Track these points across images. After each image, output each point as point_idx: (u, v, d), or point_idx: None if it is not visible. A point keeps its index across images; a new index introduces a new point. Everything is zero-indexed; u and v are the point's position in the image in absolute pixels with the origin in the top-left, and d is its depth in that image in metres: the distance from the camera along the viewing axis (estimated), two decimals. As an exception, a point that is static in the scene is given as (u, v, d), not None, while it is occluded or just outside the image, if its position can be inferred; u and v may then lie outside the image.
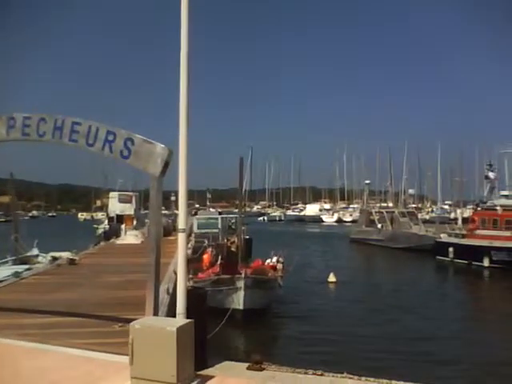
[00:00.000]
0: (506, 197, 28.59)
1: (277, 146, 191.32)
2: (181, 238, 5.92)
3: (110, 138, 6.52)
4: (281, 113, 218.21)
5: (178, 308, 5.74)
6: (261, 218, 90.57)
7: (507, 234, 24.12)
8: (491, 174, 29.18)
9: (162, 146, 6.22)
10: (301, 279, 19.77)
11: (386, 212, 41.36)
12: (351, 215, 78.53)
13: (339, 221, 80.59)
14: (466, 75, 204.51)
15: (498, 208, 25.95)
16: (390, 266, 28.73)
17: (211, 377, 5.59)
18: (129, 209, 36.55)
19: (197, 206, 58.26)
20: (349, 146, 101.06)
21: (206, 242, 20.54)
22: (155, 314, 6.10)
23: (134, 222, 34.15)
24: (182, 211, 6.08)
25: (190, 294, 5.99)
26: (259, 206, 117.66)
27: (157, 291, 6.21)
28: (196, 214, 33.83)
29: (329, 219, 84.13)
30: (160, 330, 5.04)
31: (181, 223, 5.97)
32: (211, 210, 42.62)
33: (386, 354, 10.34)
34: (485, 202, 28.49)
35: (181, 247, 5.91)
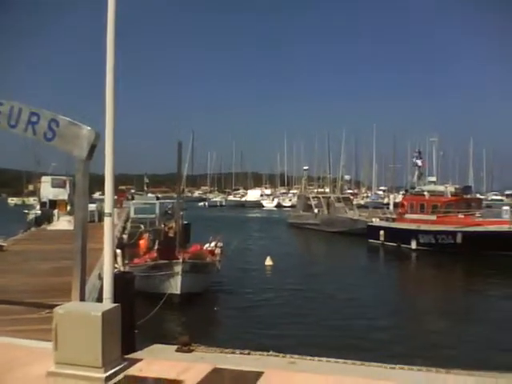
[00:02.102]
0: (433, 183, 30.41)
1: (219, 131, 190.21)
2: (107, 222, 5.86)
3: (34, 119, 6.29)
4: (222, 96, 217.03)
5: (104, 293, 5.72)
6: (202, 204, 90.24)
7: (433, 218, 25.55)
8: (419, 162, 30.82)
9: (89, 128, 6.09)
10: (239, 263, 20.07)
11: (323, 197, 42.56)
12: (290, 200, 79.98)
13: (279, 206, 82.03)
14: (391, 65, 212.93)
15: (425, 193, 27.47)
16: (325, 249, 29.81)
17: (139, 360, 5.63)
18: (62, 194, 35.17)
19: (132, 191, 56.89)
20: (289, 133, 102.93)
21: (143, 227, 20.28)
22: (81, 299, 6.03)
23: (68, 208, 32.93)
24: (108, 195, 5.99)
25: (118, 278, 5.97)
26: (200, 191, 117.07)
27: (83, 276, 6.13)
28: (133, 198, 33.20)
29: (269, 204, 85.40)
30: (85, 315, 5.01)
31: (107, 207, 5.91)
32: (150, 195, 41.95)
33: (317, 332, 10.78)
34: (414, 188, 30.08)
35: (107, 232, 5.86)
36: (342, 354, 6.22)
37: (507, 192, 78.99)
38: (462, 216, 24.67)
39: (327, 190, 57.95)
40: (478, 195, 44.03)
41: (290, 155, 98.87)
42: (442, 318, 12.71)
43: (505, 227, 22.43)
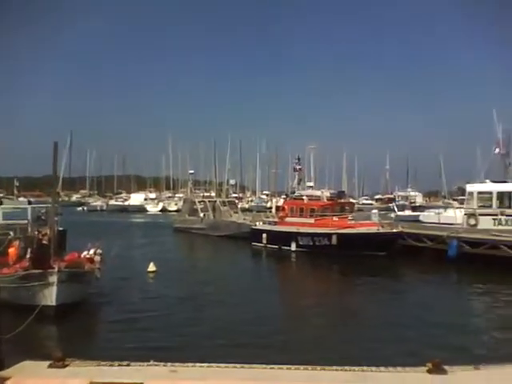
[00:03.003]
0: (311, 188, 32.24)
1: (99, 131, 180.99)
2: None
3: None
4: (103, 98, 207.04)
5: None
6: (80, 208, 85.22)
7: (311, 221, 27.03)
8: (297, 167, 32.53)
9: None
10: (120, 271, 19.27)
11: (209, 201, 42.71)
12: (176, 204, 78.97)
13: (164, 210, 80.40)
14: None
15: (304, 198, 28.99)
16: (210, 254, 29.96)
17: (6, 378, 5.16)
18: None
19: (0, 195, 51.89)
20: (175, 135, 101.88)
21: (12, 234, 18.57)
22: None
23: None
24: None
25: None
26: (79, 195, 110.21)
27: None
28: (1, 203, 30.26)
29: (153, 209, 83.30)
30: None
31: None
32: (21, 199, 38.58)
33: (201, 339, 10.77)
34: (294, 193, 31.59)
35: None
36: (225, 359, 6.30)
37: (376, 197, 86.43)
38: (337, 219, 26.45)
39: (213, 194, 58.38)
40: (351, 199, 47.44)
41: (176, 158, 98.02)
42: (320, 317, 13.45)
43: (373, 229, 24.51)
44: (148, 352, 8.94)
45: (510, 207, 26.73)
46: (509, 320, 12.93)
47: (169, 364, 5.84)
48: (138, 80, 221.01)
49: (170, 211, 75.17)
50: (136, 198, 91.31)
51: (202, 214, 40.26)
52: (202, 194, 49.34)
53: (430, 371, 2.69)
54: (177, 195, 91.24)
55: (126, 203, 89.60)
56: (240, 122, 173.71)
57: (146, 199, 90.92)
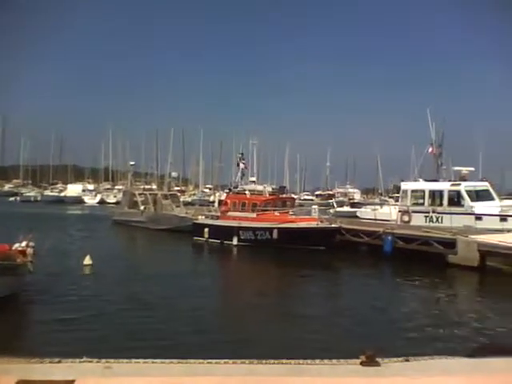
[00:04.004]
0: (254, 182, 32.47)
1: (35, 118, 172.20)
2: None
3: None
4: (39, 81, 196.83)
5: None
6: (13, 198, 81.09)
7: (253, 215, 27.22)
8: (241, 162, 32.65)
9: None
10: (55, 263, 18.55)
11: (150, 194, 41.92)
12: (115, 197, 76.93)
13: (102, 202, 78.12)
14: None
15: (246, 192, 29.13)
16: (150, 247, 29.44)
17: None
18: None
19: None
20: (115, 125, 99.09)
21: None
22: None
23: None
24: None
25: None
26: (11, 185, 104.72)
27: None
28: None
29: (91, 200, 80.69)
30: None
31: None
32: None
33: (138, 334, 10.55)
34: (236, 187, 31.66)
35: None
36: (162, 354, 6.17)
37: (317, 192, 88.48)
38: (278, 214, 26.80)
39: (154, 186, 57.36)
40: (293, 195, 48.26)
41: (116, 149, 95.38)
42: (258, 310, 13.57)
43: (313, 224, 25.06)
44: (81, 348, 8.65)
45: (440, 205, 28.22)
46: (438, 311, 13.66)
47: (103, 360, 5.64)
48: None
49: (109, 203, 73.13)
50: (73, 189, 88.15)
51: (142, 207, 39.46)
52: (142, 187, 48.36)
53: (363, 363, 2.76)
54: (116, 187, 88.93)
55: (63, 194, 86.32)
56: (184, 115, 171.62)
57: (83, 190, 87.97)
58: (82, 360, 5.70)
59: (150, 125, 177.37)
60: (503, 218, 25.36)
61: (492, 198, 27.92)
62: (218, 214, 30.92)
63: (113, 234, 36.93)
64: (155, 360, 5.43)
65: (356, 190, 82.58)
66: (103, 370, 5.35)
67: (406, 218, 28.46)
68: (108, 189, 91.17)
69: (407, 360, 3.06)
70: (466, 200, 27.26)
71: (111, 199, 77.45)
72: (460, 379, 2.52)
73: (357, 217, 34.25)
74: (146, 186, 50.24)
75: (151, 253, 26.65)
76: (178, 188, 74.34)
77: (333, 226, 25.11)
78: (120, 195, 59.91)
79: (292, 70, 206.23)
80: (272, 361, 3.78)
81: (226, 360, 4.97)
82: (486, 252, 19.09)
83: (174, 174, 76.46)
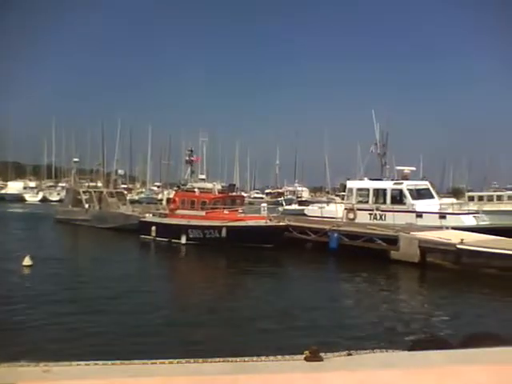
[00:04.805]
0: (203, 180, 32.28)
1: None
2: None
3: None
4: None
5: None
6: None
7: (202, 213, 27.02)
8: (190, 159, 32.39)
9: None
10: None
11: (95, 192, 40.79)
12: (59, 194, 74.30)
13: (45, 200, 75.30)
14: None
15: (195, 190, 28.88)
16: (94, 246, 28.56)
17: None
18: None
19: None
20: (59, 120, 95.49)
21: None
22: None
23: None
24: None
25: None
26: None
27: None
28: None
29: (33, 198, 77.50)
30: None
31: None
32: None
33: (80, 336, 10.22)
34: (185, 185, 31.34)
35: None
36: (106, 357, 6.00)
37: (267, 191, 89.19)
38: (227, 212, 26.76)
39: (100, 184, 55.76)
40: (243, 193, 48.44)
41: (60, 145, 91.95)
42: (205, 309, 13.48)
43: (262, 222, 25.22)
44: (19, 352, 8.28)
45: (384, 203, 29.20)
46: (380, 306, 14.11)
47: (42, 364, 5.43)
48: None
49: (52, 201, 70.55)
50: (13, 187, 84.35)
51: (86, 205, 38.31)
52: (87, 184, 46.89)
53: (307, 359, 2.79)
54: (59, 184, 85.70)
55: (3, 192, 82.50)
56: (132, 111, 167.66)
57: (25, 188, 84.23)
58: (20, 364, 5.47)
59: (95, 121, 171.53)
60: (442, 216, 26.59)
61: (432, 197, 29.25)
62: (166, 212, 30.49)
63: (56, 233, 35.61)
64: (97, 362, 5.27)
65: (304, 189, 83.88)
66: (42, 374, 5.14)
67: (351, 216, 29.22)
68: (51, 186, 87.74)
69: (350, 354, 3.12)
70: (408, 198, 28.37)
71: (54, 197, 74.79)
72: (398, 372, 2.60)
73: (305, 215, 34.79)
74: (91, 184, 48.73)
75: (95, 252, 25.83)
76: (125, 186, 72.67)
77: (281, 224, 25.38)
78: (63, 193, 57.94)
79: (249, 69, 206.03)
80: (217, 359, 3.76)
81: (170, 360, 4.90)
82: (426, 248, 19.96)
83: (120, 172, 74.67)
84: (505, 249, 17.74)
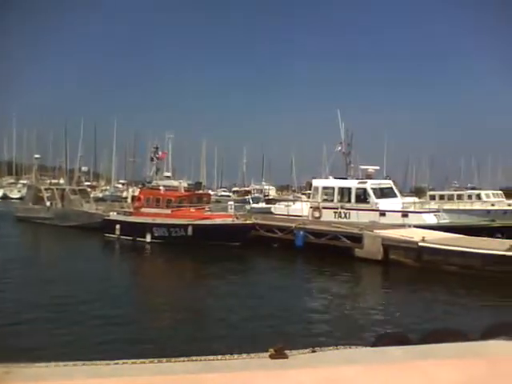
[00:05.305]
0: (169, 178, 31.95)
1: None
2: None
3: None
4: None
5: None
6: None
7: (168, 211, 26.73)
8: (154, 156, 32.00)
9: None
10: None
11: (57, 189, 39.83)
12: (19, 191, 72.13)
13: (5, 197, 73.01)
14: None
15: (161, 188, 28.53)
16: (56, 245, 27.87)
17: None
18: None
19: None
20: (20, 116, 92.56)
21: None
22: None
23: None
24: None
25: None
26: None
27: None
28: None
29: (-8, 195, 75.02)
30: None
31: None
32: None
33: (38, 339, 9.96)
34: (150, 182, 30.93)
35: None
36: (69, 357, 5.86)
37: (234, 189, 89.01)
38: (194, 210, 26.57)
39: (62, 181, 54.41)
40: (210, 191, 48.18)
41: (20, 141, 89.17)
42: (170, 309, 13.38)
43: (229, 220, 25.18)
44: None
45: (349, 202, 29.67)
46: (343, 303, 14.34)
47: (1, 365, 5.26)
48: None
49: (12, 199, 68.43)
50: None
51: (48, 203, 37.31)
52: (48, 181, 45.67)
53: (271, 356, 2.80)
54: (20, 181, 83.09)
55: (-40, 189, 79.23)
56: (96, 106, 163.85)
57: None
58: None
59: (59, 117, 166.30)
60: (404, 214, 27.24)
61: (395, 195, 29.93)
62: (131, 210, 30.02)
63: (16, 231, 34.50)
64: (58, 363, 5.14)
65: (271, 187, 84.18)
66: (2, 376, 4.98)
67: (316, 214, 29.56)
68: (11, 183, 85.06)
69: (314, 351, 3.16)
70: (372, 197, 28.94)
71: (15, 194, 72.65)
72: (361, 368, 2.64)
73: (271, 213, 34.96)
74: (53, 181, 47.49)
75: (57, 251, 25.20)
76: (89, 183, 71.15)
77: (247, 222, 25.42)
78: (24, 190, 56.25)
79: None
80: (182, 358, 3.73)
81: (133, 360, 4.83)
82: (389, 246, 20.40)
83: (84, 169, 73.05)
84: (464, 247, 18.32)
